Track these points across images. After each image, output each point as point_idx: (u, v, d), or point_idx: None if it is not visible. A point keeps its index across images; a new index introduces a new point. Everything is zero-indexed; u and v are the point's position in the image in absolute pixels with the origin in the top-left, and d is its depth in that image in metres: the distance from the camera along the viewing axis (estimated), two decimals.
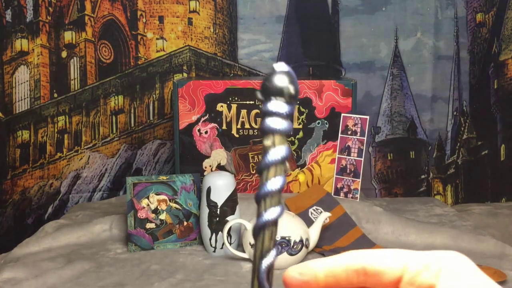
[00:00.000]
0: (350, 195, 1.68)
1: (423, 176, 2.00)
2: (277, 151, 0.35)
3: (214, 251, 1.39)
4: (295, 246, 1.29)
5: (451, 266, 0.29)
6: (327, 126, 1.62)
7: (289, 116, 0.35)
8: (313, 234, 1.35)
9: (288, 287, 0.32)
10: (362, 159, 1.62)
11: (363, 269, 0.30)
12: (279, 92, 0.35)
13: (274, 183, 0.35)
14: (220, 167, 1.61)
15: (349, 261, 0.31)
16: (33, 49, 1.81)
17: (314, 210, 1.52)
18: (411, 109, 1.97)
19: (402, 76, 1.95)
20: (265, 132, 0.36)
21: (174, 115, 1.59)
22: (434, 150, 1.99)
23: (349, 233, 1.46)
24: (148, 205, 1.41)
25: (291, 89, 0.35)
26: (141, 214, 1.41)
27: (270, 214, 0.35)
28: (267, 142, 0.36)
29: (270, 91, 0.35)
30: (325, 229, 1.41)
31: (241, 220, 1.34)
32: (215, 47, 1.89)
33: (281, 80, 0.35)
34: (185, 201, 1.44)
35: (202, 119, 1.59)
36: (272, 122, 0.35)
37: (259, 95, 0.36)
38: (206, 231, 1.39)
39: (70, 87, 1.86)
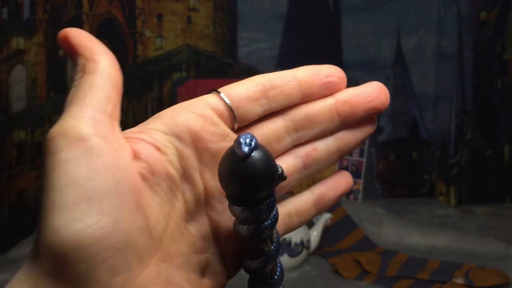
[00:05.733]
0: (351, 196, 1.66)
1: (425, 177, 1.98)
2: (276, 249, 0.28)
3: None
4: (295, 248, 1.28)
5: None
6: None
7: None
8: (314, 235, 1.34)
9: None
10: (364, 159, 1.60)
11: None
12: (266, 183, 0.25)
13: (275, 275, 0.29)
14: None
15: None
16: (29, 48, 1.79)
17: None
18: (413, 108, 1.95)
19: (405, 75, 1.93)
20: (263, 241, 0.27)
21: None
22: (437, 151, 1.97)
23: (351, 235, 1.45)
24: None
25: (280, 170, 0.25)
26: None
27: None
28: (266, 247, 0.27)
29: (251, 187, 0.24)
30: (326, 230, 1.39)
31: None
32: (214, 46, 1.86)
33: (262, 162, 0.24)
34: None
35: None
36: (269, 223, 0.26)
37: (239, 207, 0.25)
38: None
39: (67, 86, 1.84)
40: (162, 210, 0.26)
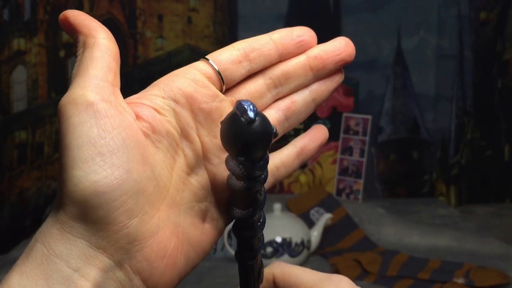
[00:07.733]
0: (352, 196, 1.66)
1: (426, 177, 1.98)
2: (263, 200, 0.31)
3: (215, 253, 1.37)
4: (296, 248, 1.27)
5: None
6: (329, 126, 1.60)
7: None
8: (315, 235, 1.34)
9: None
10: (364, 159, 1.60)
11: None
12: (266, 143, 0.27)
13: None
14: None
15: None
16: (30, 48, 1.79)
17: (315, 212, 1.50)
18: (414, 108, 1.95)
19: (405, 75, 1.93)
20: (259, 205, 0.30)
21: None
22: (437, 151, 1.97)
23: (351, 235, 1.45)
24: None
25: (275, 130, 0.27)
26: None
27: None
28: (258, 197, 0.30)
29: (255, 147, 0.26)
30: (327, 230, 1.39)
31: None
32: (215, 46, 1.86)
33: (263, 125, 0.26)
34: None
35: None
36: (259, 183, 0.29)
37: (240, 163, 0.27)
38: None
39: (68, 86, 1.83)
40: (165, 164, 0.30)
